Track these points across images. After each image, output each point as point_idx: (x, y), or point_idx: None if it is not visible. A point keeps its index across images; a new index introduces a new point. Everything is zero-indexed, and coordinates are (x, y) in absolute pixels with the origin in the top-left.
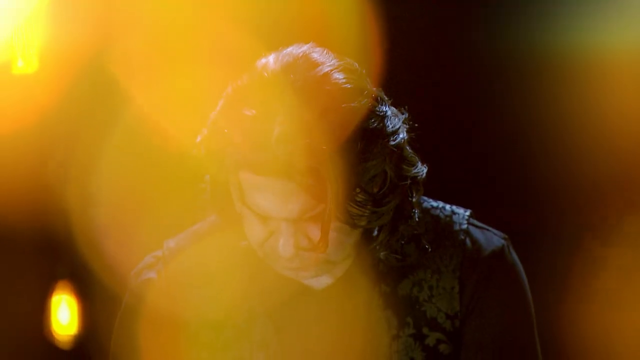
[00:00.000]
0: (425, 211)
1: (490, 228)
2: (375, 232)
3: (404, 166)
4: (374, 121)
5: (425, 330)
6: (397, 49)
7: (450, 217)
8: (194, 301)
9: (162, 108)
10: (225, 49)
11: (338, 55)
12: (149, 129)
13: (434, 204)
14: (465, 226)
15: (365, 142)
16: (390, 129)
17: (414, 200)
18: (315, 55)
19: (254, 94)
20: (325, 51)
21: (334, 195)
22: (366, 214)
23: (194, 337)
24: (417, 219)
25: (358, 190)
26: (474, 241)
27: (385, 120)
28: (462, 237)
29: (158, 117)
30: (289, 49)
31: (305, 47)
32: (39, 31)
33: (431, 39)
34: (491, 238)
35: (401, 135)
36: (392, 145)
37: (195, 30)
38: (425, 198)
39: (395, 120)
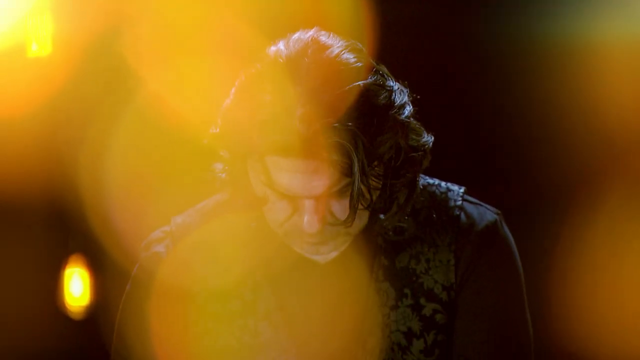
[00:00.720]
0: (422, 188)
1: (483, 204)
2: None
3: (414, 136)
4: (385, 96)
5: (422, 301)
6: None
7: (446, 193)
8: (200, 274)
9: (172, 90)
10: (231, 35)
11: (342, 37)
12: (159, 109)
13: (430, 181)
14: (459, 202)
15: (379, 116)
16: (399, 103)
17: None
18: (323, 39)
19: (271, 80)
20: (330, 34)
21: (361, 168)
22: (385, 188)
23: (201, 308)
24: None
25: (376, 163)
26: (468, 216)
27: (393, 95)
28: (457, 213)
29: (167, 99)
30: (297, 35)
31: (312, 32)
32: (52, 16)
33: (422, 20)
34: (484, 213)
35: (408, 108)
36: (402, 118)
37: (203, 17)
38: (422, 175)
39: (402, 95)
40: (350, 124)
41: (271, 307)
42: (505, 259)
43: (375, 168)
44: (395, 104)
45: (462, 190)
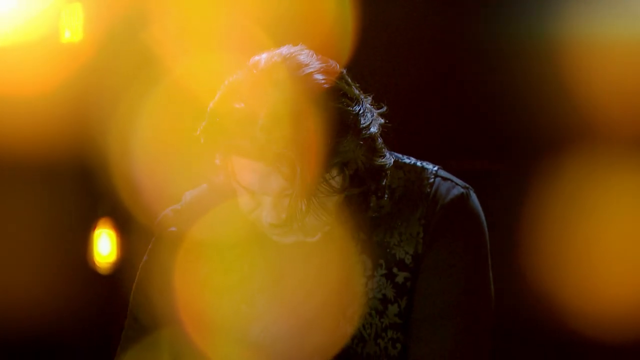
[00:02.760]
0: (398, 166)
1: (454, 179)
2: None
3: (373, 156)
4: (345, 118)
5: (395, 270)
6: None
7: (420, 172)
8: (204, 251)
9: (192, 71)
10: (242, 25)
11: (323, 57)
12: (182, 86)
13: (407, 160)
14: (432, 179)
15: (336, 136)
16: (362, 125)
17: (382, 184)
18: (301, 57)
19: (244, 89)
20: (312, 53)
21: (301, 180)
22: (341, 193)
23: (204, 280)
24: (389, 176)
25: (329, 176)
26: (437, 191)
27: (357, 118)
28: (428, 190)
29: (189, 78)
30: (280, 49)
31: (294, 49)
32: (82, 6)
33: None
34: (453, 188)
35: (371, 130)
36: (360, 139)
37: (220, 9)
38: (399, 155)
39: (368, 116)
40: (305, 140)
41: (265, 280)
42: (470, 229)
43: (330, 180)
44: (358, 126)
45: (435, 168)
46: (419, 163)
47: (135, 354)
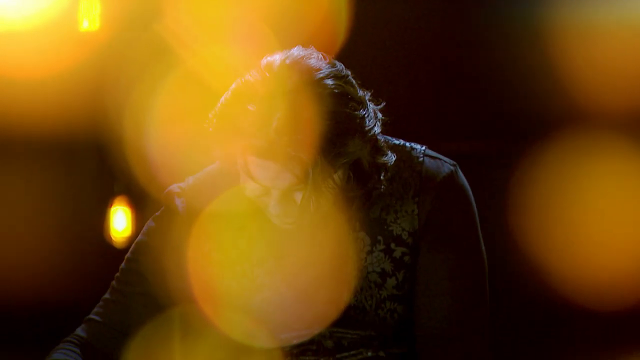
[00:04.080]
0: (389, 148)
1: (442, 157)
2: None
3: (376, 155)
4: (352, 122)
5: (392, 246)
6: None
7: (409, 152)
8: (205, 228)
9: (204, 56)
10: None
11: (331, 60)
12: (194, 70)
13: (396, 142)
14: (421, 159)
15: (344, 138)
16: (366, 128)
17: (382, 178)
18: (312, 62)
19: (257, 91)
20: (321, 57)
21: (313, 181)
22: (347, 189)
23: (206, 255)
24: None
25: (337, 174)
26: (428, 170)
27: (363, 121)
28: (419, 169)
29: (201, 63)
30: (292, 52)
31: (305, 52)
32: None
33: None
34: (442, 165)
35: (375, 130)
36: (366, 140)
37: (229, 3)
38: (388, 137)
39: (371, 119)
40: (316, 142)
41: (264, 255)
42: (460, 204)
43: (334, 175)
44: (364, 128)
45: (423, 148)
46: (407, 144)
47: (148, 330)
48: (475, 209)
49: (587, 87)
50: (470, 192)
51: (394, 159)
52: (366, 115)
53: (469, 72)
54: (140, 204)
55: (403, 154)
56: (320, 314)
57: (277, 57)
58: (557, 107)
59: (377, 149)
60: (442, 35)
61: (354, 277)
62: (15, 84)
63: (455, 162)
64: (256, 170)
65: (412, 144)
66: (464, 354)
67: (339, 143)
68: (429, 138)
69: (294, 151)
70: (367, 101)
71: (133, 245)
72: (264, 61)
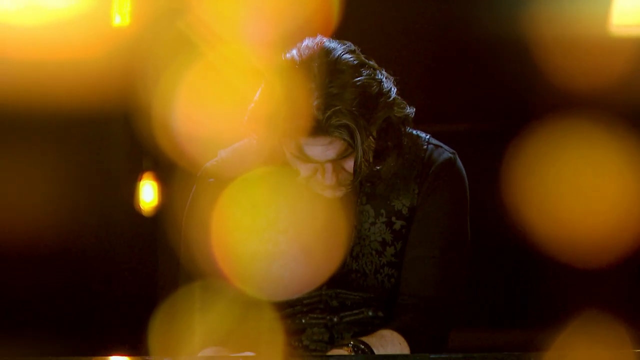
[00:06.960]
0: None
1: (443, 145)
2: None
3: (400, 110)
4: (376, 86)
5: (393, 219)
6: None
7: (415, 139)
8: (239, 199)
9: (224, 51)
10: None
11: (340, 40)
12: (218, 56)
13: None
14: (425, 146)
15: (373, 101)
16: (387, 89)
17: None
18: (327, 44)
19: (290, 81)
20: (331, 39)
21: (361, 141)
22: (381, 148)
23: (238, 224)
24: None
25: (373, 133)
26: (430, 155)
27: (382, 84)
28: (422, 154)
29: (224, 50)
30: (305, 43)
31: (317, 39)
32: None
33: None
34: (442, 153)
35: (394, 90)
36: (390, 100)
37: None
38: None
39: (389, 82)
40: (353, 109)
41: (288, 224)
42: (455, 187)
43: (371, 137)
44: (384, 91)
45: (428, 136)
46: (414, 132)
47: (171, 301)
48: (467, 194)
49: (571, 71)
50: (466, 179)
51: (413, 111)
52: (384, 78)
53: (467, 52)
54: (166, 179)
55: (410, 139)
56: (328, 277)
57: (295, 50)
58: (544, 91)
59: (399, 104)
60: (439, 18)
61: (358, 245)
62: (60, 68)
63: (454, 151)
64: (309, 150)
65: (418, 132)
66: (436, 310)
67: (371, 104)
68: (424, 118)
69: (337, 121)
70: (378, 68)
71: (182, 237)
72: (284, 56)
